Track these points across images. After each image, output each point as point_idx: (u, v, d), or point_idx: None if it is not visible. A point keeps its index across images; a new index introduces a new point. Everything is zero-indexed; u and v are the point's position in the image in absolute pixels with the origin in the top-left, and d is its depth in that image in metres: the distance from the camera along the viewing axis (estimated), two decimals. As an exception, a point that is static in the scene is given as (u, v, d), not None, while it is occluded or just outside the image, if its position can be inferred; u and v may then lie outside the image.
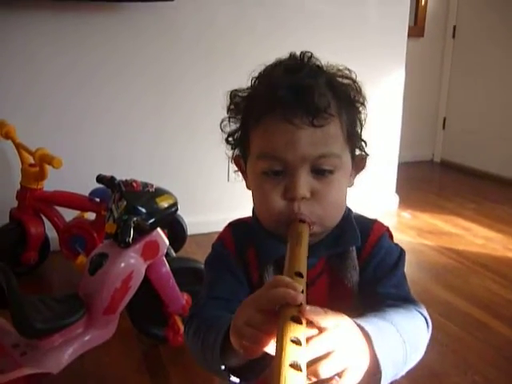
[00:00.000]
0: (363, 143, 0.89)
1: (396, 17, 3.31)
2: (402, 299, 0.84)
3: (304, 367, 0.56)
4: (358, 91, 0.87)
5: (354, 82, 0.87)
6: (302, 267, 0.69)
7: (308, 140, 0.79)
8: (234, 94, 0.91)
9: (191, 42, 2.84)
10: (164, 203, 1.71)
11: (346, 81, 0.86)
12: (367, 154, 0.91)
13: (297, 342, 0.56)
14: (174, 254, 2.15)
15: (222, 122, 0.92)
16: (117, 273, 1.62)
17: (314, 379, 0.60)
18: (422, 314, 0.82)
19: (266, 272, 0.88)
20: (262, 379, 0.72)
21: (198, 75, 2.89)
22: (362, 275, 0.89)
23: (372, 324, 0.71)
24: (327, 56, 0.88)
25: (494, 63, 4.42)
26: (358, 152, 0.89)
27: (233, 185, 3.07)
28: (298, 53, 0.87)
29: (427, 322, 0.82)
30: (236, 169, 0.96)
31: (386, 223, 0.96)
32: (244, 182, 0.93)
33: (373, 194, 3.29)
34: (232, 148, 0.93)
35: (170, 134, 2.92)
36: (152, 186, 1.74)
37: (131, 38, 2.73)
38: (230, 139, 0.93)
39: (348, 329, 0.66)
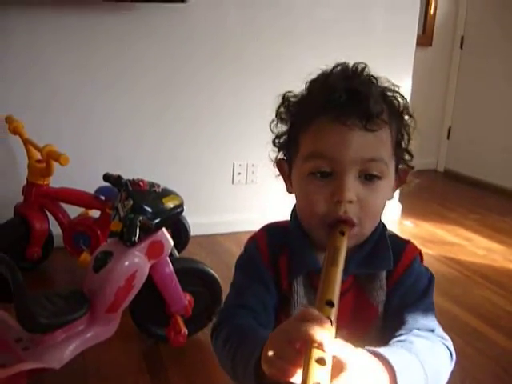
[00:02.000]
0: (409, 156, 0.90)
1: (405, 27, 3.32)
2: (429, 329, 0.84)
3: None
4: (406, 107, 0.88)
5: (403, 98, 0.88)
6: (335, 294, 0.70)
7: (360, 143, 0.79)
8: (286, 97, 0.90)
9: (199, 44, 2.86)
10: (170, 203, 1.72)
11: (396, 95, 0.87)
12: (412, 168, 0.91)
13: None
14: (177, 255, 2.16)
15: (271, 124, 0.92)
16: (121, 271, 1.62)
17: None
18: (447, 347, 0.83)
19: (295, 281, 0.88)
20: None
21: (205, 78, 2.91)
22: (390, 297, 0.89)
23: (398, 355, 0.72)
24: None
25: (500, 75, 4.43)
26: (400, 166, 0.89)
27: (237, 187, 3.08)
28: (351, 63, 0.87)
29: (451, 356, 0.83)
30: (278, 173, 0.95)
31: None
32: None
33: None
34: (278, 150, 0.93)
35: (176, 135, 2.93)
36: (159, 186, 1.75)
37: (139, 38, 2.74)
38: (277, 141, 0.93)
39: (370, 367, 0.67)
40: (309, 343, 0.62)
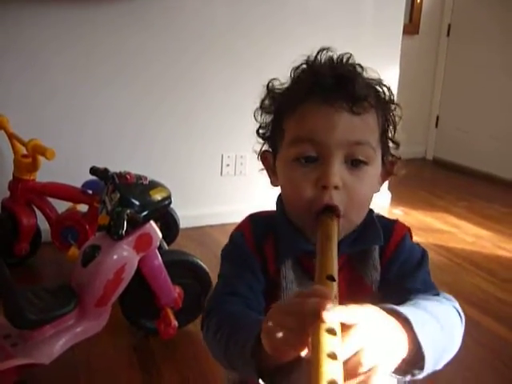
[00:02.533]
0: (395, 145, 0.90)
1: (391, 17, 3.32)
2: (433, 294, 0.83)
3: (341, 380, 0.54)
4: (391, 98, 0.88)
5: (389, 89, 0.88)
6: (334, 269, 0.68)
7: (346, 125, 0.79)
8: (271, 87, 0.90)
9: (193, 38, 2.84)
10: (157, 196, 1.71)
11: (382, 85, 0.88)
12: (399, 158, 0.91)
13: (333, 357, 0.55)
14: (166, 247, 2.16)
15: (255, 112, 0.92)
16: (109, 265, 1.61)
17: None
18: (454, 307, 0.81)
19: (283, 265, 0.87)
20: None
21: (197, 72, 2.89)
22: (385, 274, 0.88)
23: (410, 310, 0.69)
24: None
25: (488, 62, 4.43)
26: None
27: (226, 179, 3.07)
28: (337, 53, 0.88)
29: (460, 315, 0.81)
30: (262, 167, 0.95)
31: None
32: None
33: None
34: (263, 140, 0.93)
35: (168, 130, 2.91)
36: (146, 178, 1.73)
37: (134, 33, 2.71)
38: (261, 131, 0.92)
39: (378, 319, 0.64)
40: (314, 316, 0.58)
